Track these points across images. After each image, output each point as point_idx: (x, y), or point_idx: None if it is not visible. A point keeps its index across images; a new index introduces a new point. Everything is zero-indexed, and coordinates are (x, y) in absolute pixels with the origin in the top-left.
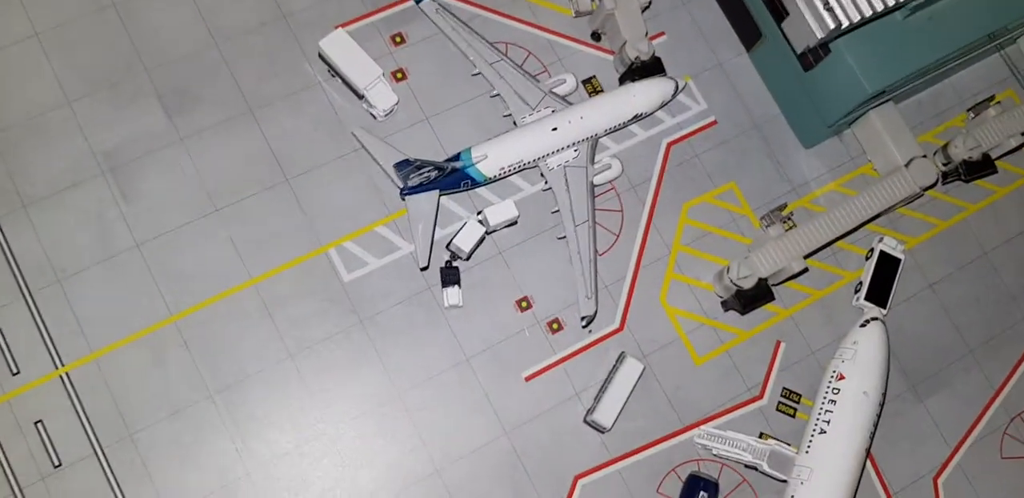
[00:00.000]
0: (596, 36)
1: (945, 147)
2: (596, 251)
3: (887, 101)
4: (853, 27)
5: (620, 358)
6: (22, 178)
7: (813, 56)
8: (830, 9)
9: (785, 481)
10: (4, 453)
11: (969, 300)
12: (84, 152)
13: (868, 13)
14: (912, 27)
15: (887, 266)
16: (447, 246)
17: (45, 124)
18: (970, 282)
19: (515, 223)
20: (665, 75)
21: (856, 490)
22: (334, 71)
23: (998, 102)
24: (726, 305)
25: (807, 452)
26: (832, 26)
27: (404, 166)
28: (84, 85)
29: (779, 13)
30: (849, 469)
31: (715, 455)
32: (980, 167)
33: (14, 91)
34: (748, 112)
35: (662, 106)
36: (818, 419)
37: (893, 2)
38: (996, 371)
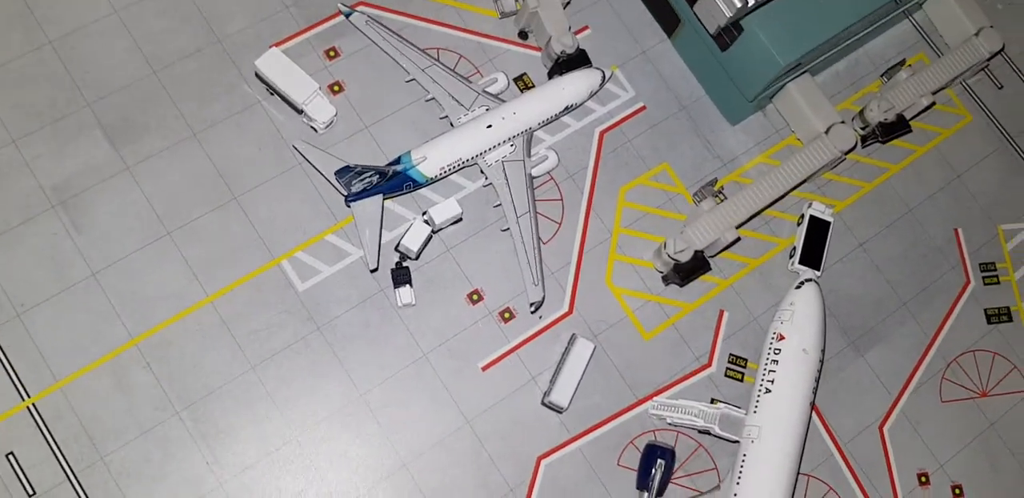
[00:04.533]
0: (523, 35)
1: (861, 112)
2: (539, 239)
3: (804, 73)
4: (762, 3)
5: (571, 340)
6: None
7: (728, 36)
8: None
9: (737, 441)
10: None
11: (899, 256)
12: (33, 188)
13: None
14: None
15: (818, 230)
16: (396, 248)
17: None
18: (898, 238)
19: (460, 220)
20: (591, 66)
21: (804, 442)
22: (272, 89)
23: (910, 65)
24: (666, 280)
25: (755, 412)
26: (739, 4)
27: (345, 173)
28: (28, 123)
29: None
30: (796, 423)
31: (670, 424)
32: (895, 128)
33: None
34: (675, 96)
35: (591, 96)
36: (763, 380)
37: None
38: (929, 321)
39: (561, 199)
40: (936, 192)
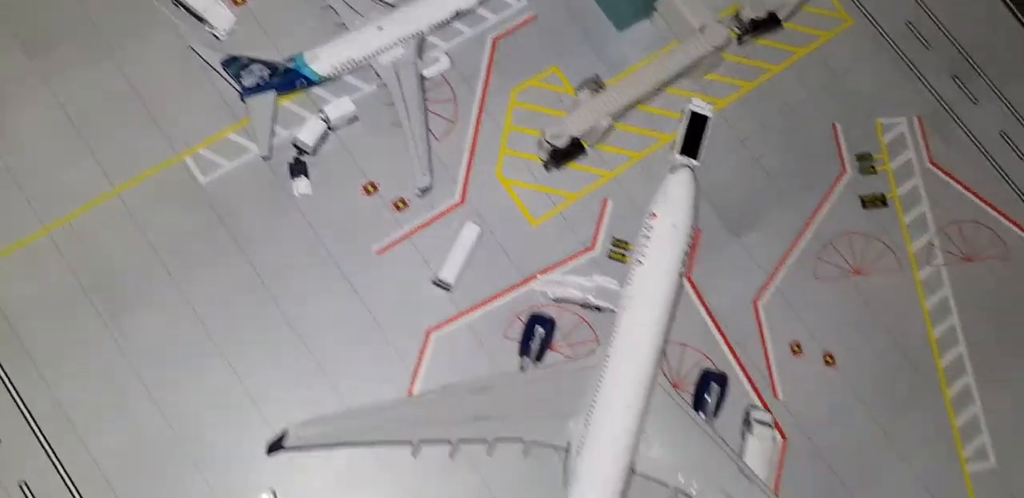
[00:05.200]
0: None
1: (737, 14)
2: (429, 132)
3: None
4: None
5: (461, 225)
6: None
7: None
8: None
9: (614, 310)
10: None
11: (778, 149)
12: None
13: None
14: None
15: (697, 124)
16: (293, 143)
17: None
18: (778, 133)
19: (356, 119)
20: None
21: (675, 308)
22: (176, 0)
23: None
24: (547, 166)
25: (629, 283)
26: None
27: (232, 63)
28: None
29: None
30: (665, 291)
31: (553, 299)
32: (766, 24)
33: None
34: (565, 4)
35: (481, 3)
36: (636, 254)
37: None
38: (806, 207)
39: (455, 100)
40: (816, 90)
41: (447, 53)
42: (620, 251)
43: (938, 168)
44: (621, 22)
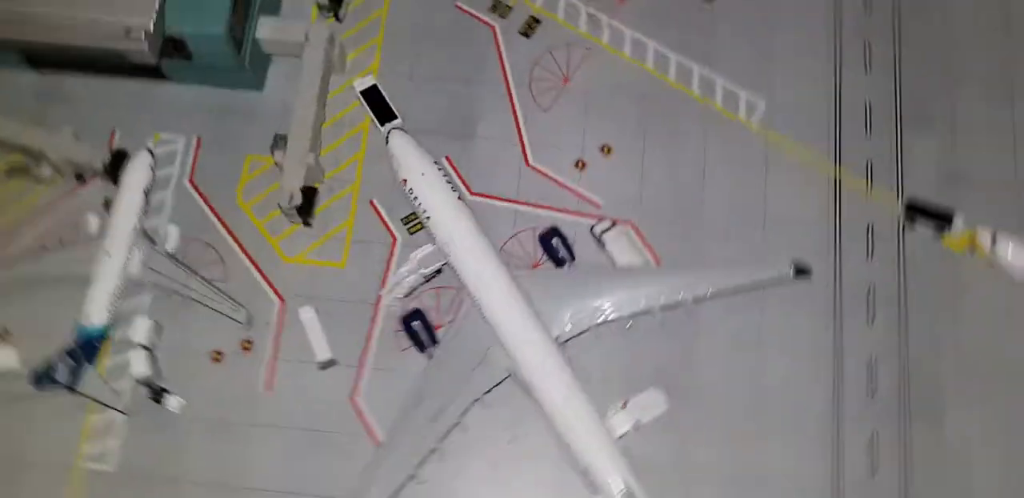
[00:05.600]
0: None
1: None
2: (209, 283)
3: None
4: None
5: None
6: None
7: (178, 50)
8: None
9: (445, 262)
10: None
11: (444, 58)
12: None
13: None
14: None
15: (374, 95)
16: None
17: None
18: (432, 44)
19: (160, 326)
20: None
21: (479, 228)
22: None
23: None
24: (307, 223)
25: (435, 236)
26: None
27: (43, 379)
28: None
29: None
30: (461, 219)
31: (408, 296)
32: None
33: None
34: (209, 115)
35: (153, 165)
36: (421, 215)
37: None
38: (496, 76)
39: (210, 245)
40: None
41: (169, 222)
42: (416, 224)
43: None
44: (250, 83)
